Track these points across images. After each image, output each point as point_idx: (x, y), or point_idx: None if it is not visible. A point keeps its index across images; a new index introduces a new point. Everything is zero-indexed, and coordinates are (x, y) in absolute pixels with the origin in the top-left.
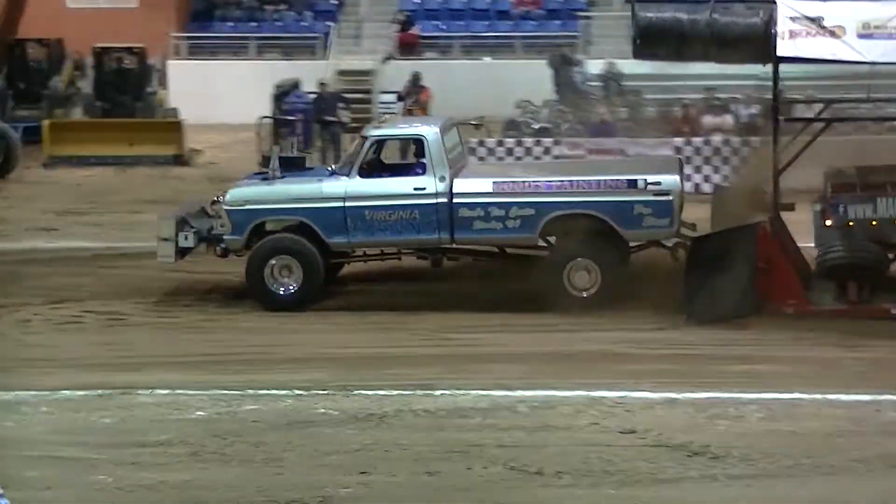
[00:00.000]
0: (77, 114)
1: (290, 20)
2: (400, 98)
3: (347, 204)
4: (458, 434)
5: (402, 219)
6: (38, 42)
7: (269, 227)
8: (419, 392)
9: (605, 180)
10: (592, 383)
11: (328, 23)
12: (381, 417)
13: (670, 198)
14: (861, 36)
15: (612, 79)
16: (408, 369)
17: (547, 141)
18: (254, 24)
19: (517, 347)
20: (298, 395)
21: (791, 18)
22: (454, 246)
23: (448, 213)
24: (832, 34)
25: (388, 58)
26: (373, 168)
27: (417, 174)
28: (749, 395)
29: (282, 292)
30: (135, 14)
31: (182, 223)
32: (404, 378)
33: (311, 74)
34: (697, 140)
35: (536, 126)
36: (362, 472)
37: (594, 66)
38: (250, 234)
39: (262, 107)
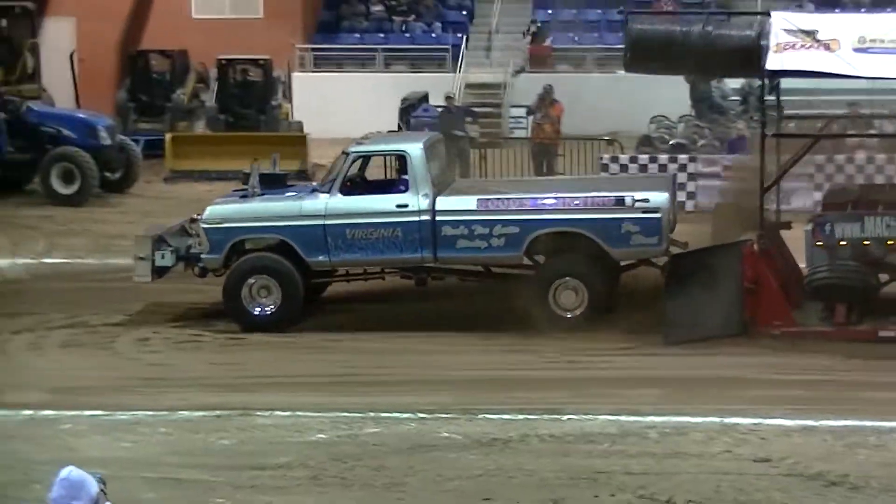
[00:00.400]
0: (200, 127)
1: (418, 32)
2: (530, 112)
3: (328, 222)
4: (586, 460)
5: (385, 237)
6: (161, 53)
7: (248, 245)
8: (545, 416)
9: (592, 198)
10: (725, 409)
11: (458, 34)
12: (505, 442)
13: (658, 215)
14: (856, 50)
15: (750, 94)
16: (533, 393)
17: (682, 157)
18: (381, 35)
19: (647, 371)
20: (421, 418)
21: (786, 31)
22: (438, 265)
23: (431, 232)
24: (826, 47)
25: (519, 70)
26: (354, 185)
27: (400, 191)
28: (890, 423)
29: (259, 312)
30: (260, 25)
31: (159, 241)
32: (529, 402)
33: (439, 87)
34: (840, 157)
35: (672, 142)
36: (485, 499)
37: (733, 81)
38: (229, 253)
39: (388, 120)
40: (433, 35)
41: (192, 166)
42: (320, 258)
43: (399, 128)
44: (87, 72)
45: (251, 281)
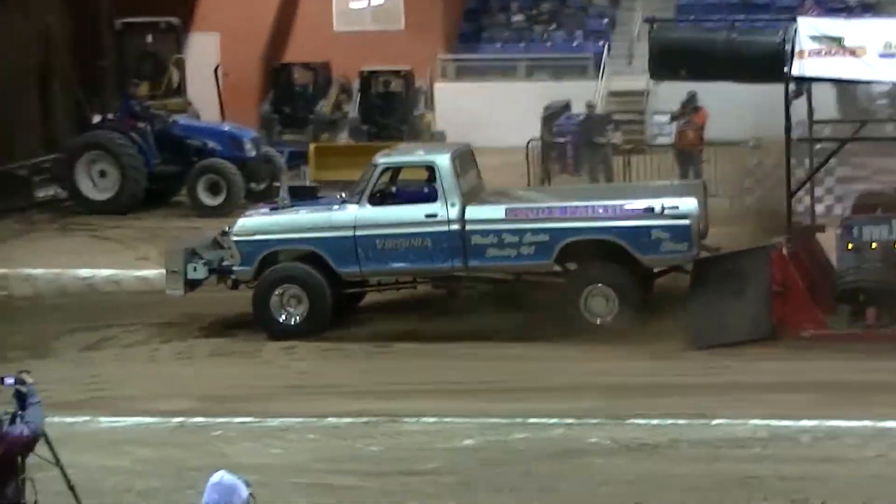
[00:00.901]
0: (343, 138)
1: (560, 40)
2: (673, 118)
3: (358, 233)
4: (736, 465)
5: (414, 247)
6: (304, 66)
7: (281, 257)
8: (694, 422)
9: (621, 205)
10: (877, 413)
11: (599, 42)
12: (654, 447)
13: (688, 222)
14: (883, 55)
15: None
16: (681, 398)
17: (830, 162)
18: (522, 44)
19: (796, 376)
20: (569, 423)
21: (812, 38)
22: (468, 274)
23: (461, 241)
24: (853, 54)
25: None
26: (384, 196)
27: (429, 201)
28: None
29: (286, 321)
30: (401, 36)
31: (191, 254)
32: (678, 407)
33: (581, 96)
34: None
35: (818, 146)
36: None
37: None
38: (260, 265)
39: (531, 129)
40: (574, 44)
41: (336, 176)
42: (350, 268)
43: (542, 136)
44: (232, 85)
45: (279, 291)
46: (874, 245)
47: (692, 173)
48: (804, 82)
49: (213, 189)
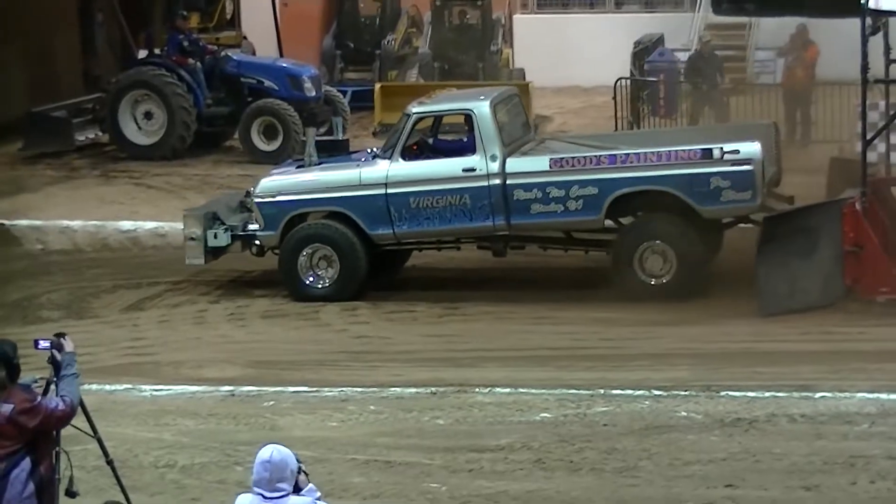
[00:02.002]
0: (412, 76)
1: None
2: (780, 54)
3: (390, 191)
4: (841, 443)
5: (451, 205)
6: None
7: (309, 220)
8: (795, 394)
9: (676, 151)
10: None
11: None
12: (750, 423)
13: (750, 167)
14: None
15: None
16: (782, 368)
17: None
18: None
19: None
20: (656, 395)
21: None
22: (512, 233)
23: (502, 197)
24: None
25: None
26: (419, 149)
27: (467, 154)
28: None
29: (314, 283)
30: None
31: (212, 219)
32: (778, 378)
33: (675, 29)
34: None
35: None
36: (728, 485)
37: None
38: (286, 230)
39: (620, 66)
40: None
41: None
42: (383, 230)
43: (632, 74)
44: (290, 17)
45: (307, 251)
46: None
47: (800, 115)
48: (882, 16)
49: (269, 133)
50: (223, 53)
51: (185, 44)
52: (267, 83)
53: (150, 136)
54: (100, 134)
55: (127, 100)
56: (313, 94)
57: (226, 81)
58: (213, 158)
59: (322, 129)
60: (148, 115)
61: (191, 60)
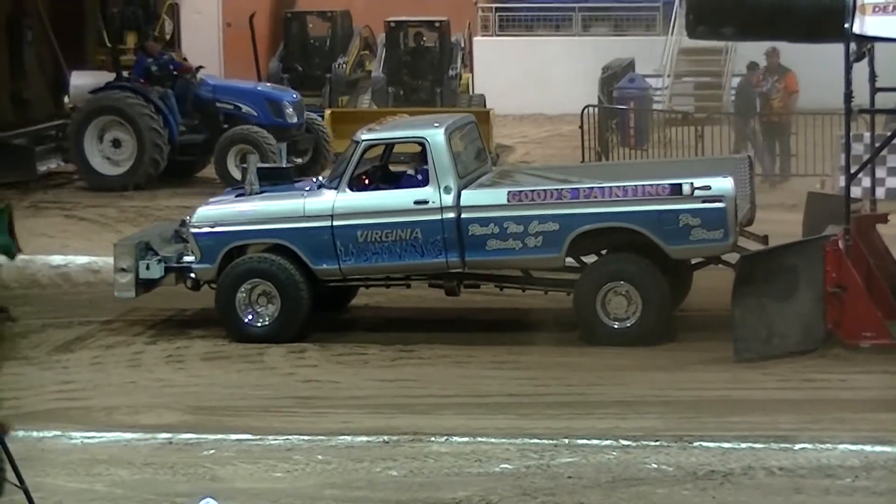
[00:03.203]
0: (364, 102)
1: None
2: (755, 85)
3: (336, 223)
4: (822, 498)
5: (402, 239)
6: (320, 15)
7: (250, 252)
8: (773, 445)
9: (643, 186)
10: None
11: None
12: (725, 476)
13: (722, 205)
14: None
15: None
16: (759, 417)
17: None
18: None
19: (892, 392)
20: (624, 446)
21: None
22: (467, 271)
23: (456, 231)
24: None
25: None
26: (368, 179)
27: (419, 185)
28: None
29: (253, 322)
30: None
31: (145, 250)
32: (755, 428)
33: (647, 53)
34: None
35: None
36: None
37: None
38: (224, 262)
39: (587, 93)
40: None
41: None
42: (328, 265)
43: (600, 101)
44: (234, 38)
45: (246, 287)
46: None
47: (778, 147)
48: (866, 41)
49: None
50: (197, 77)
51: (154, 68)
52: (245, 109)
53: (119, 166)
54: (63, 164)
55: (93, 126)
56: (294, 120)
57: (200, 107)
58: (186, 191)
59: (305, 159)
60: (116, 143)
61: (158, 88)
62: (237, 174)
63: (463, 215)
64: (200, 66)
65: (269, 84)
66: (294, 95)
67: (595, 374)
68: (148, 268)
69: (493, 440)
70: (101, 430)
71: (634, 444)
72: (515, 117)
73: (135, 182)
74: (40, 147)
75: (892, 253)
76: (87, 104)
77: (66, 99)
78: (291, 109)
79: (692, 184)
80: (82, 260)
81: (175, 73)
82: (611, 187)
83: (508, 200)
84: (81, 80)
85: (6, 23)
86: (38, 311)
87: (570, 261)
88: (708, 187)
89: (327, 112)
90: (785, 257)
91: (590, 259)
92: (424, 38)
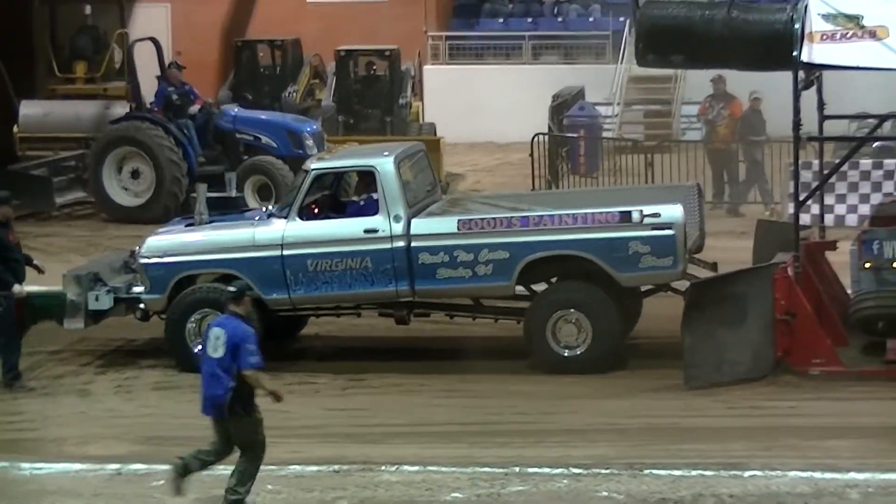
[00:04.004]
0: None
1: (572, 15)
2: (700, 115)
3: (286, 252)
4: None
5: (352, 268)
6: (269, 44)
7: (199, 282)
8: (724, 473)
9: (593, 214)
10: None
11: (620, 18)
12: (676, 503)
13: (671, 232)
14: None
15: None
16: (709, 444)
17: (890, 162)
18: (529, 20)
19: (842, 419)
20: (575, 474)
21: (824, 16)
22: (417, 300)
23: (406, 260)
24: (872, 35)
25: None
26: (317, 208)
27: (368, 214)
28: None
29: (201, 352)
30: (385, 9)
31: (94, 280)
32: (705, 455)
33: (597, 81)
34: (892, 163)
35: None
36: None
37: None
38: (173, 293)
39: (537, 121)
40: (591, 19)
41: None
42: (279, 295)
43: (550, 129)
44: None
45: (197, 316)
46: (895, 264)
47: (726, 175)
48: (815, 69)
49: (264, 193)
50: (218, 107)
51: (174, 97)
52: (265, 139)
53: (138, 197)
54: (82, 194)
55: (111, 157)
56: (315, 151)
57: (220, 137)
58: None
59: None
60: (135, 174)
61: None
62: (254, 205)
63: (413, 244)
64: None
65: (289, 114)
66: (314, 126)
67: (546, 402)
68: (97, 298)
69: (443, 469)
70: (50, 460)
71: (585, 472)
72: (466, 145)
73: (154, 213)
74: (59, 178)
75: (841, 280)
76: (107, 134)
77: (14, 128)
78: (311, 141)
79: (641, 211)
80: (30, 289)
81: (195, 102)
82: (561, 215)
83: (458, 229)
84: (31, 110)
85: None
86: None
87: (520, 289)
88: (657, 215)
89: None
90: (735, 284)
91: (540, 287)
92: (375, 67)
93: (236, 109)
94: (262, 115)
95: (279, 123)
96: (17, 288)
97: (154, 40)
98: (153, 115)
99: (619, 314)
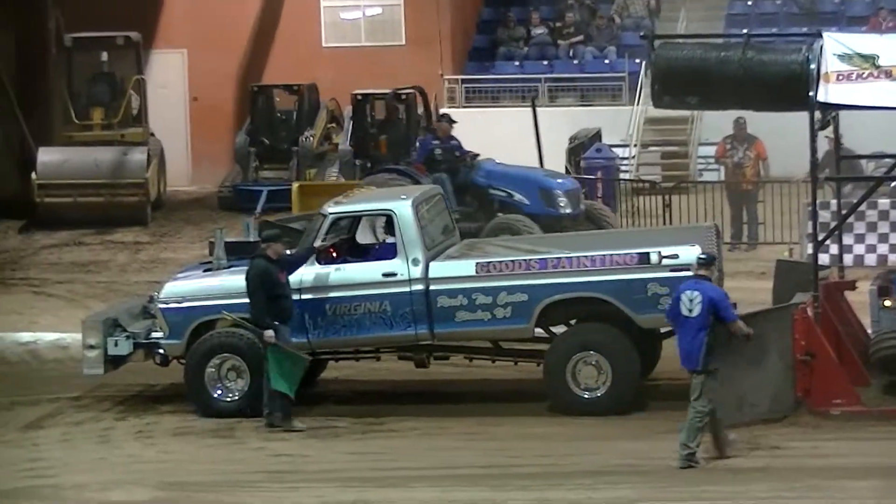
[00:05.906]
0: (332, 174)
1: (588, 58)
2: (719, 157)
3: (304, 296)
4: None
5: (370, 312)
6: (286, 88)
7: (218, 328)
8: None
9: (611, 256)
10: None
11: (636, 60)
12: None
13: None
14: None
15: None
16: (732, 486)
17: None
18: (544, 63)
19: (864, 459)
20: None
21: (839, 56)
22: (436, 343)
23: (424, 303)
24: (888, 75)
25: None
26: (335, 252)
27: (387, 258)
28: None
29: (222, 397)
30: (401, 54)
31: (113, 326)
32: (727, 496)
33: (613, 123)
34: None
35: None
36: None
37: None
38: (192, 337)
39: (554, 163)
40: (606, 61)
41: None
42: (297, 339)
43: (567, 171)
44: (201, 112)
45: (216, 361)
46: None
47: (746, 216)
48: (831, 109)
49: None
50: (475, 162)
51: (437, 151)
52: (517, 196)
53: None
54: None
55: None
56: (569, 210)
57: (475, 193)
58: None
59: None
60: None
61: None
62: None
63: (431, 287)
64: (151, 134)
65: (545, 170)
66: (570, 184)
67: (566, 444)
68: (116, 344)
69: None
70: None
71: None
72: None
73: None
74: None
75: (861, 319)
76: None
77: (33, 175)
78: (565, 199)
79: (660, 252)
80: (51, 336)
81: (461, 157)
82: (579, 257)
83: (477, 272)
84: (49, 157)
85: None
86: (6, 388)
87: (539, 331)
88: (676, 256)
89: (295, 185)
90: (754, 325)
91: (559, 329)
92: (395, 110)
93: (491, 164)
94: (515, 170)
95: (531, 180)
96: (268, 334)
97: (420, 89)
98: (408, 169)
99: (638, 356)
